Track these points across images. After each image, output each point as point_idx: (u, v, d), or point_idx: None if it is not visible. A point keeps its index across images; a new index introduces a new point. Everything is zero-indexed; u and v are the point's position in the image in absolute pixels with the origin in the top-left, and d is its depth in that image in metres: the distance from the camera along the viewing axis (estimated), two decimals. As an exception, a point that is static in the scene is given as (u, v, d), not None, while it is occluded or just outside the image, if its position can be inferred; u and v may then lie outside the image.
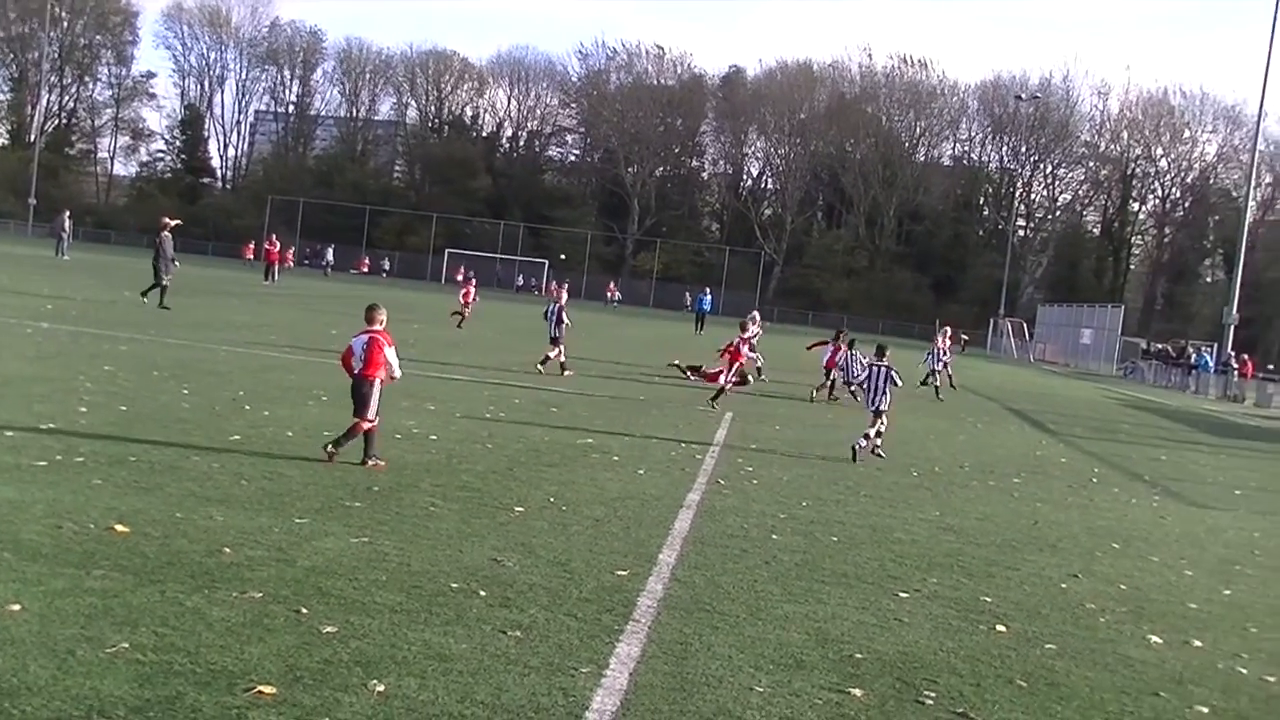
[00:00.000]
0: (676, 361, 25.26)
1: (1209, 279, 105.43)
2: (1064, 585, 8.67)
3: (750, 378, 23.02)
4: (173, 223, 28.50)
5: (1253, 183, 61.31)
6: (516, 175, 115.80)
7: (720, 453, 13.87)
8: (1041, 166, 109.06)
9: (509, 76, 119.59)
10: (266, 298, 38.11)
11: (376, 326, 10.50)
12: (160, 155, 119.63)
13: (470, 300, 35.64)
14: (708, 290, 60.82)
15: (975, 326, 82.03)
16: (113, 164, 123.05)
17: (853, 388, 21.11)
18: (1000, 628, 7.21)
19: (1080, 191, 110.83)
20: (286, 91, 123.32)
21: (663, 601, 6.90)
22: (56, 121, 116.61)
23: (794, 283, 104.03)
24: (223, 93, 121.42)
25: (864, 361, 19.73)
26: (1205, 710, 6.12)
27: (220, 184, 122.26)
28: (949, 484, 13.50)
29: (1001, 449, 18.10)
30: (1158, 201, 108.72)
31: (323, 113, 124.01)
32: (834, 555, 8.79)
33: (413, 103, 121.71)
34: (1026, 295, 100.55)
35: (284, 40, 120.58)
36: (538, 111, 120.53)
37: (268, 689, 4.83)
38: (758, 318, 22.03)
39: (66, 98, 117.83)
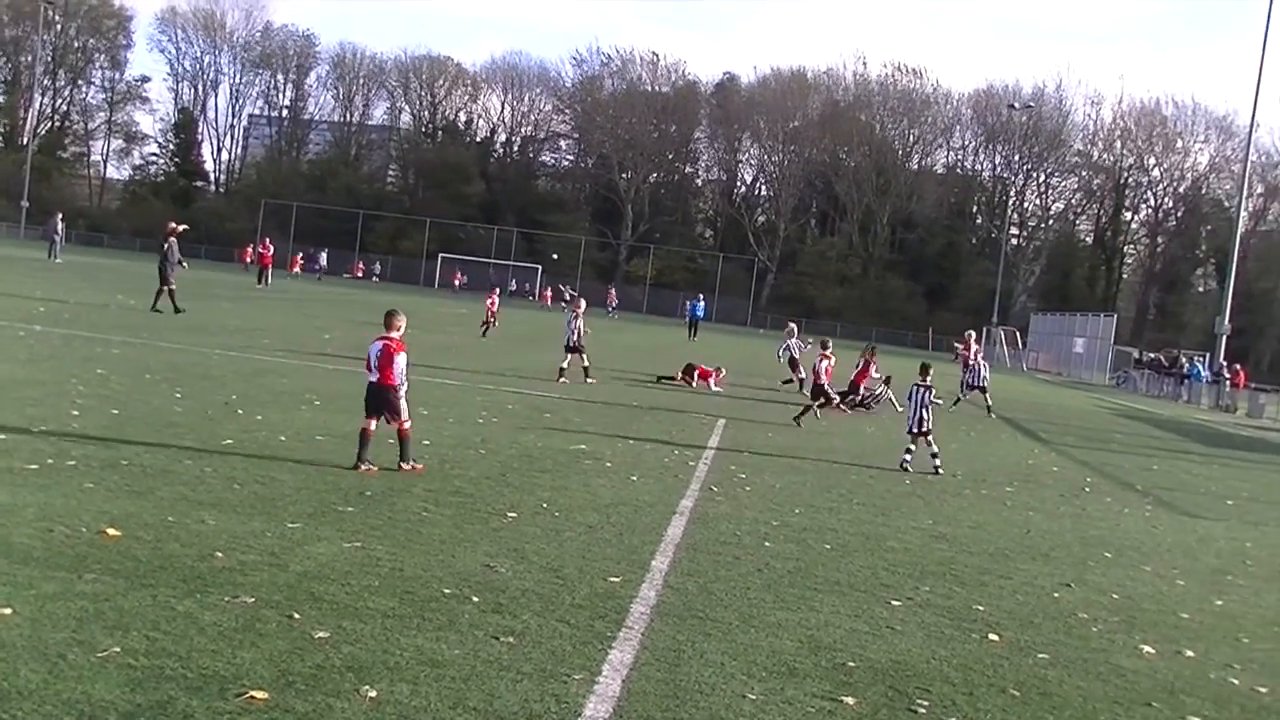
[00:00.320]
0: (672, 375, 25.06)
1: (1201, 288, 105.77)
2: (1056, 594, 8.68)
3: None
4: (180, 228, 28.55)
5: (1245, 193, 61.51)
6: (510, 180, 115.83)
7: (713, 459, 13.87)
8: (1034, 175, 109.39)
9: (503, 82, 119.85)
10: (259, 301, 38.05)
11: (394, 333, 10.57)
12: (153, 159, 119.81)
13: (495, 310, 35.68)
14: (701, 297, 60.79)
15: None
16: (106, 167, 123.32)
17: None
18: (993, 636, 7.21)
19: (1073, 200, 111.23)
20: (280, 95, 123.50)
21: (655, 608, 6.89)
22: (50, 124, 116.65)
23: (787, 290, 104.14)
24: (216, 96, 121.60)
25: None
26: (1197, 720, 6.14)
27: (213, 188, 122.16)
28: (941, 492, 13.51)
29: (994, 457, 18.12)
30: (1150, 211, 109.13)
31: (316, 117, 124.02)
32: (827, 563, 8.79)
33: (406, 107, 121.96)
34: (1019, 304, 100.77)
35: (277, 44, 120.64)
36: (531, 117, 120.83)
37: (260, 694, 4.81)
38: (829, 342, 21.62)
39: (60, 100, 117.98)
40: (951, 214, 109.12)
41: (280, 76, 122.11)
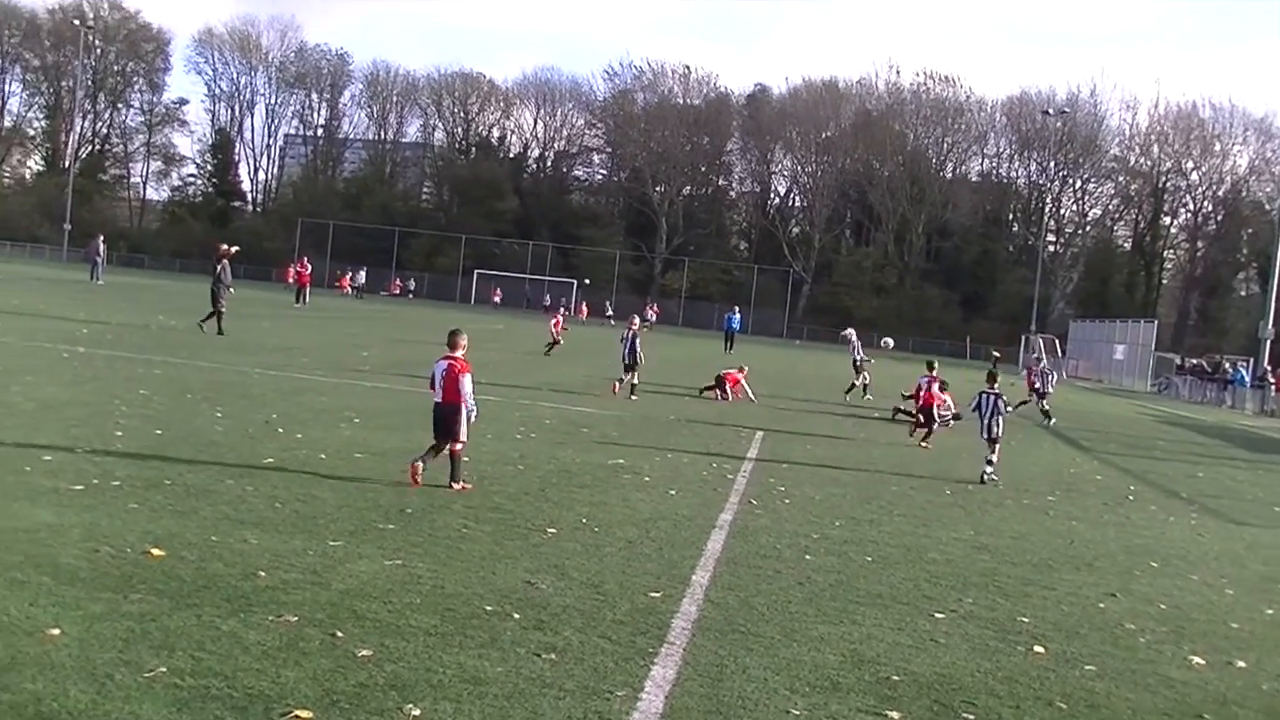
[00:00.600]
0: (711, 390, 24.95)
1: (1243, 292, 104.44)
2: (1102, 605, 8.58)
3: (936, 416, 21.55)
4: (232, 250, 28.80)
5: (1286, 195, 60.79)
6: (544, 195, 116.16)
7: (752, 471, 13.83)
8: (1070, 181, 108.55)
9: (535, 97, 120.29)
10: (297, 319, 38.33)
11: (458, 353, 10.70)
12: (191, 179, 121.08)
13: (561, 329, 35.67)
14: (736, 309, 60.68)
15: (1006, 343, 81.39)
16: (145, 189, 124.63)
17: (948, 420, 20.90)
18: (1038, 648, 7.14)
19: (1110, 206, 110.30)
20: (315, 115, 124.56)
21: (697, 623, 6.87)
22: (90, 148, 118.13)
23: (823, 301, 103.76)
24: (253, 117, 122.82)
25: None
26: (1249, 732, 6.05)
27: (250, 207, 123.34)
28: (983, 502, 13.41)
29: (1035, 466, 17.96)
30: (1189, 215, 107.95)
31: (351, 135, 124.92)
32: (868, 575, 8.74)
33: (440, 125, 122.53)
34: (1057, 311, 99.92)
35: (312, 64, 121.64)
36: (564, 132, 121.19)
37: (304, 713, 4.84)
38: (935, 363, 21.37)
39: (100, 124, 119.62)
40: (987, 222, 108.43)
41: (315, 96, 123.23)
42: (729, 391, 24.21)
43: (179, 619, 5.90)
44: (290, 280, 72.83)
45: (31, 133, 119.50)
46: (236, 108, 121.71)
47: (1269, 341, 51.77)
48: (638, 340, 22.80)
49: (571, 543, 8.74)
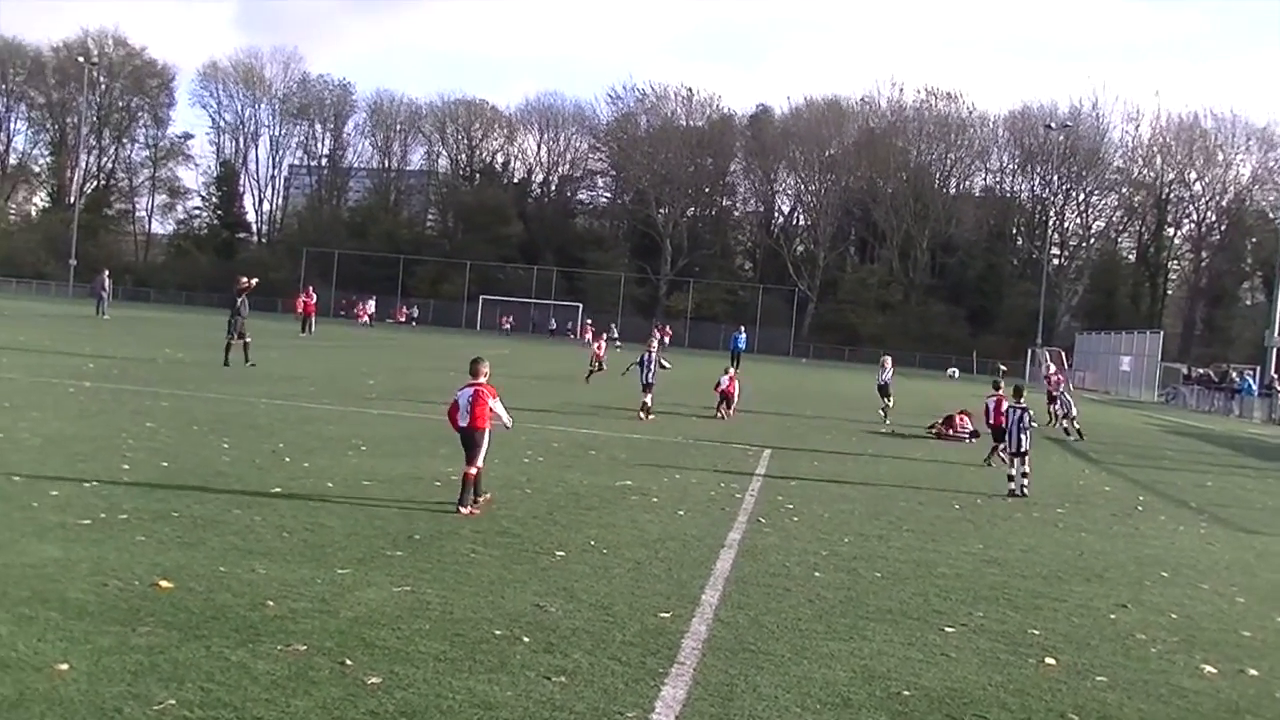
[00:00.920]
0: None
1: (1248, 301, 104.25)
2: (1112, 616, 8.56)
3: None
4: (252, 282, 28.85)
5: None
6: (548, 220, 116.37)
7: (760, 490, 13.82)
8: (1074, 194, 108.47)
9: (539, 122, 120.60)
10: (303, 349, 38.40)
11: (481, 380, 10.97)
12: (197, 212, 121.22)
13: (602, 355, 35.75)
14: (742, 329, 60.72)
15: (1013, 357, 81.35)
16: (150, 222, 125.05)
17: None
18: (1049, 660, 7.12)
19: (1114, 218, 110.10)
20: (319, 145, 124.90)
21: (707, 643, 6.86)
22: (95, 183, 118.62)
23: (829, 318, 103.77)
24: (257, 148, 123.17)
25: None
26: (1263, 740, 6.02)
27: (256, 238, 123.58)
28: (991, 516, 13.38)
29: (1043, 479, 17.88)
30: (1193, 226, 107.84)
31: (355, 164, 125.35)
32: (878, 591, 8.72)
33: (444, 152, 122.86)
34: (1063, 324, 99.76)
35: (315, 95, 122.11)
36: (568, 156, 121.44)
37: (314, 741, 4.83)
38: (1000, 383, 20.91)
39: (105, 159, 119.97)
40: (991, 236, 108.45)
41: (319, 126, 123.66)
42: (730, 401, 24.41)
43: (187, 651, 5.91)
44: (298, 311, 73.13)
45: (37, 169, 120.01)
46: (241, 140, 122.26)
47: (1275, 350, 51.64)
48: (654, 360, 23.30)
49: (580, 565, 8.74)
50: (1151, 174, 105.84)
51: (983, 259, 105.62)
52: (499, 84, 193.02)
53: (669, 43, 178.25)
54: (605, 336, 37.02)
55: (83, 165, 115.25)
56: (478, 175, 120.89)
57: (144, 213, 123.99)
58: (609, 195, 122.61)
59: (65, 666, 5.50)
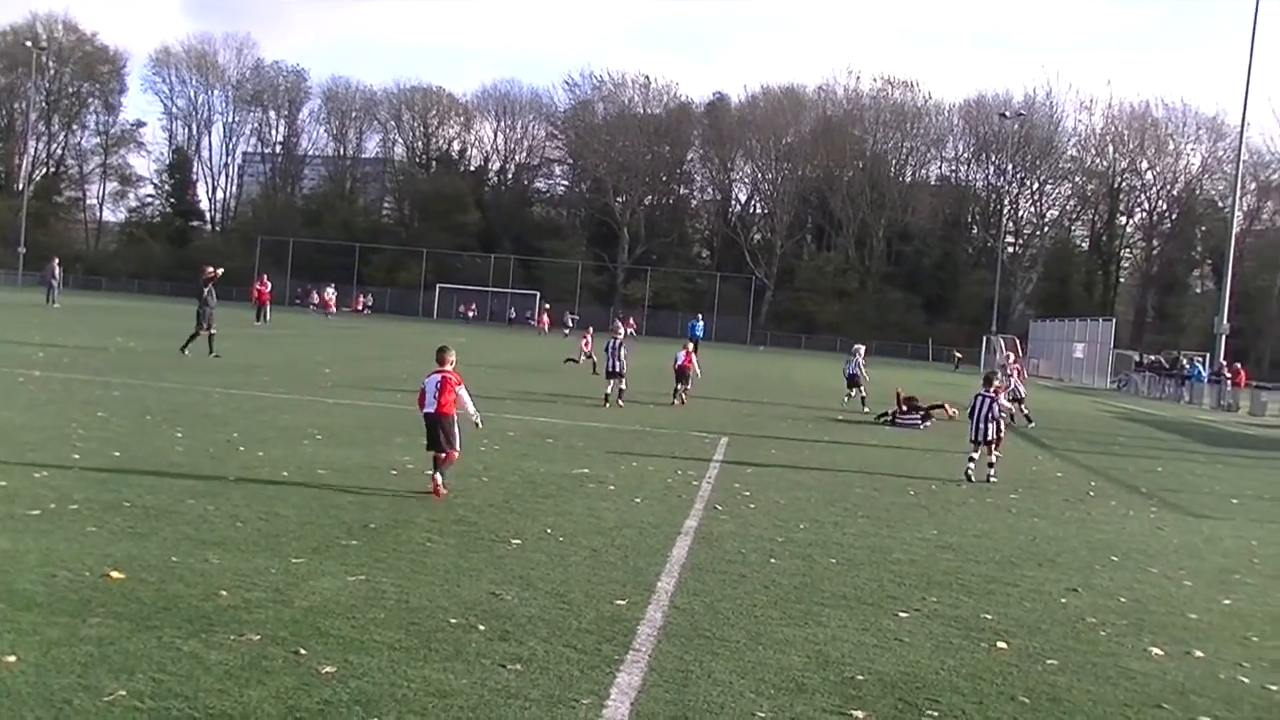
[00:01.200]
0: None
1: (1199, 289, 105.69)
2: (1064, 600, 8.67)
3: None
4: (218, 272, 28.58)
5: (1238, 192, 61.54)
6: (505, 208, 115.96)
7: (717, 477, 13.86)
8: (1028, 183, 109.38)
9: (495, 110, 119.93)
10: (258, 338, 38.06)
11: (447, 367, 11.23)
12: (149, 200, 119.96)
13: (589, 347, 35.27)
14: (700, 317, 60.88)
15: (968, 344, 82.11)
16: (102, 210, 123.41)
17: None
18: (1001, 644, 7.20)
19: (1068, 207, 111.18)
20: (273, 132, 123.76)
21: (662, 630, 6.88)
22: (45, 170, 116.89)
23: (786, 306, 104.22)
24: (210, 135, 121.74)
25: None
26: (1208, 721, 6.12)
27: (210, 226, 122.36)
28: (946, 502, 13.50)
29: (998, 465, 18.06)
30: (1145, 214, 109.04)
31: (310, 152, 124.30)
32: (833, 577, 8.78)
33: (399, 139, 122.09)
34: (1018, 312, 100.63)
35: (269, 81, 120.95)
36: (525, 144, 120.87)
37: (267, 731, 4.81)
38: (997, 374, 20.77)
39: (55, 145, 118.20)
40: (947, 225, 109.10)
41: (273, 113, 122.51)
42: (688, 378, 24.50)
43: (139, 641, 5.86)
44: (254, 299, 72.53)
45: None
46: (194, 126, 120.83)
47: (1224, 337, 52.40)
48: (622, 349, 23.35)
49: (536, 553, 8.73)
50: (1104, 163, 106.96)
51: (938, 247, 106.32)
52: (455, 71, 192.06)
53: (626, 31, 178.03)
54: (591, 331, 36.47)
55: (31, 152, 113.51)
56: (434, 163, 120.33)
57: (95, 200, 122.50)
58: (566, 183, 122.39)
59: (13, 658, 5.43)
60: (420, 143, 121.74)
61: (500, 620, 6.77)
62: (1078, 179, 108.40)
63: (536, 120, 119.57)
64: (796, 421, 23.19)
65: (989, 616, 7.91)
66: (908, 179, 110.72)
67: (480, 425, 11.73)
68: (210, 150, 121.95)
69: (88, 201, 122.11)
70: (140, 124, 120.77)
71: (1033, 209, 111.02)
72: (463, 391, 11.16)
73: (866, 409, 26.62)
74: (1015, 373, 30.68)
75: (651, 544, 9.46)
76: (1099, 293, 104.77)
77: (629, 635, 6.69)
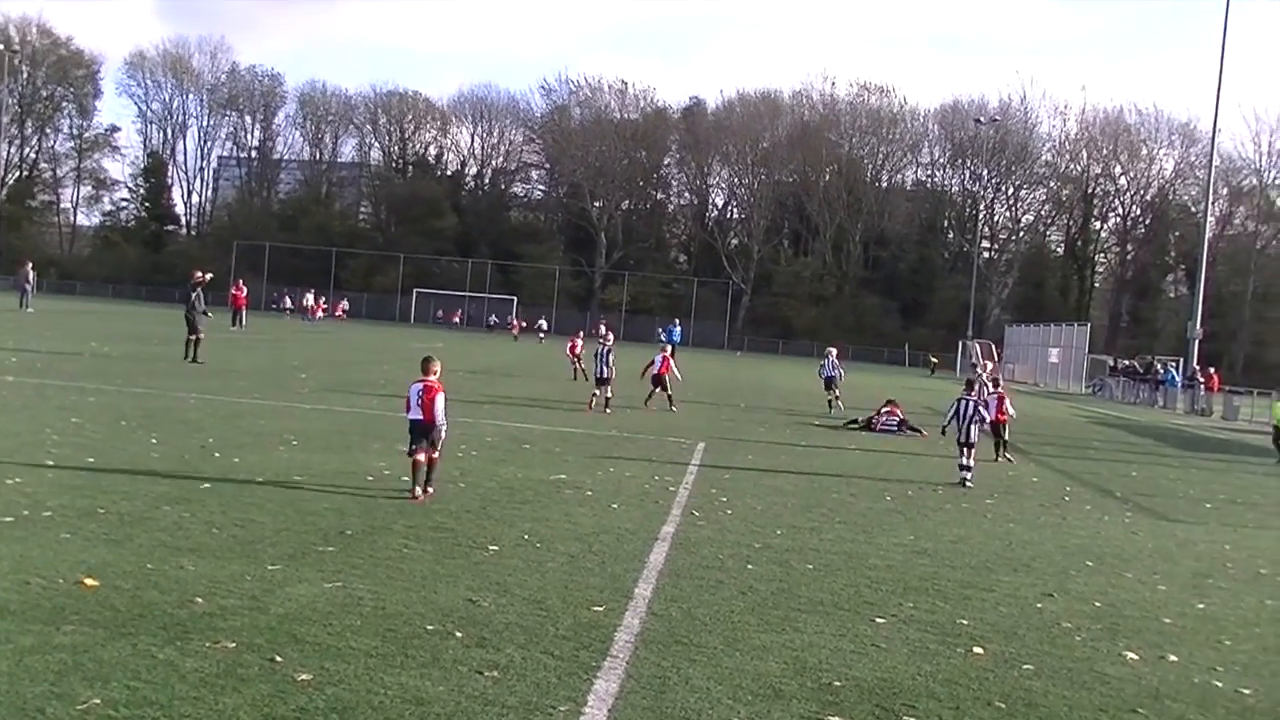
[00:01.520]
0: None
1: (1172, 294, 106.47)
2: (1039, 605, 8.71)
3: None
4: (206, 276, 28.47)
5: (1210, 198, 62.04)
6: (482, 213, 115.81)
7: (694, 483, 13.87)
8: (1003, 188, 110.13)
9: (472, 114, 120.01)
10: (235, 343, 37.86)
11: (431, 377, 11.37)
12: (124, 204, 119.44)
13: (578, 351, 34.19)
14: (677, 322, 60.92)
15: (944, 349, 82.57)
16: (76, 214, 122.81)
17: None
18: (977, 650, 7.23)
19: (1042, 212, 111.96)
20: (249, 136, 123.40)
21: (640, 636, 6.88)
22: (18, 173, 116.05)
23: (763, 311, 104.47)
24: (185, 139, 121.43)
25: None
26: (1182, 724, 6.16)
27: (185, 231, 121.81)
28: (922, 508, 13.54)
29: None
30: (1119, 219, 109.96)
31: (286, 156, 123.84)
32: (810, 583, 8.80)
33: (376, 144, 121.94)
34: (993, 316, 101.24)
35: (244, 85, 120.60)
36: (502, 148, 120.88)
37: (243, 740, 4.78)
38: (1000, 379, 20.69)
39: (28, 149, 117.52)
40: (923, 230, 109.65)
41: (248, 117, 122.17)
42: (662, 391, 24.39)
43: (113, 649, 5.82)
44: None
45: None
46: (169, 130, 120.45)
47: (1198, 341, 52.76)
48: (611, 355, 23.41)
49: (514, 559, 8.72)
50: (1078, 168, 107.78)
51: (914, 252, 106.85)
52: (432, 76, 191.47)
53: (604, 36, 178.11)
54: (580, 335, 35.14)
55: (4, 155, 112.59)
56: (411, 168, 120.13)
57: (69, 204, 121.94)
58: (543, 188, 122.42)
59: (-14, 667, 5.39)
60: (397, 147, 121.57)
61: (477, 627, 6.75)
62: (1052, 184, 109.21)
63: (513, 125, 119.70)
64: (773, 426, 23.23)
65: (965, 622, 7.94)
66: (884, 184, 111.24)
67: (444, 435, 11.49)
68: (185, 154, 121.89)
69: (61, 205, 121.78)
70: (114, 129, 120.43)
71: (1008, 214, 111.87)
72: (439, 402, 11.25)
73: (841, 409, 26.80)
74: (994, 374, 30.80)
75: (629, 550, 9.46)
76: (1074, 297, 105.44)
77: (606, 642, 6.69)
